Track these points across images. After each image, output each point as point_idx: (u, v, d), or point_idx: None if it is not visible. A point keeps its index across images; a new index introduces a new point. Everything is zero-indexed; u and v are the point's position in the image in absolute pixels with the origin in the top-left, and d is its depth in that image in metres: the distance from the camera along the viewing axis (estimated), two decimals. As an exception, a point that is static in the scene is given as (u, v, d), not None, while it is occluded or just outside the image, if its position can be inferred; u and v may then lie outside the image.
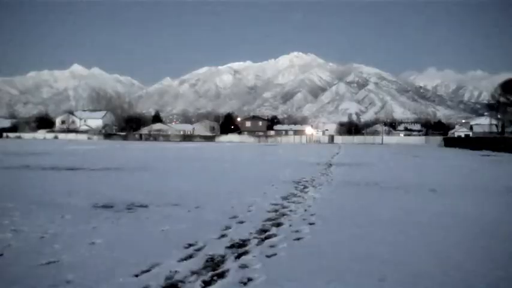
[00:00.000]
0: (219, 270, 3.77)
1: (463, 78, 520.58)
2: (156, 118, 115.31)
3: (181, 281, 3.49)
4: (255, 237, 4.92)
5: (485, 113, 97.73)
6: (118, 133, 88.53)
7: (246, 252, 4.30)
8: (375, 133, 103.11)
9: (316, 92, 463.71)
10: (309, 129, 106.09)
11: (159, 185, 10.00)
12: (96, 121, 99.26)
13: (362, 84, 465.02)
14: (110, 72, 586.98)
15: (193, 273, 3.69)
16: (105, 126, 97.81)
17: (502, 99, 68.95)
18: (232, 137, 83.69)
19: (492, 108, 74.50)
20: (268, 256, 4.17)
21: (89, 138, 79.36)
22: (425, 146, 56.13)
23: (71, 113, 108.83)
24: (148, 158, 21.36)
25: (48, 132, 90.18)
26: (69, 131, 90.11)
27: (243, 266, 3.87)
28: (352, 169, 15.76)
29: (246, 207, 6.87)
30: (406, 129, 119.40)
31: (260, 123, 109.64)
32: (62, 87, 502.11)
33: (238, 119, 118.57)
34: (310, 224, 5.68)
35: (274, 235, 5.03)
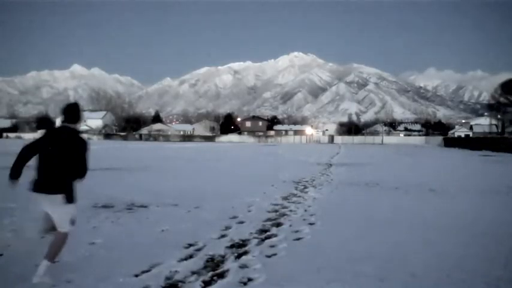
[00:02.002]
0: (219, 270, 3.77)
1: (463, 78, 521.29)
2: (156, 118, 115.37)
3: (181, 281, 3.49)
4: (255, 237, 4.92)
5: (485, 113, 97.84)
6: (118, 133, 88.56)
7: (246, 252, 4.31)
8: (375, 133, 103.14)
9: (316, 92, 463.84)
10: (308, 130, 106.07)
11: (159, 185, 10.00)
12: (96, 121, 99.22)
13: (362, 84, 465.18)
14: (109, 72, 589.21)
15: (193, 273, 3.69)
16: (105, 126, 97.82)
17: (502, 99, 68.98)
18: (232, 137, 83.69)
19: (492, 108, 74.54)
20: (268, 256, 4.17)
21: (88, 138, 79.17)
22: (425, 146, 56.12)
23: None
24: (148, 158, 21.36)
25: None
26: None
27: (243, 266, 3.87)
28: (352, 169, 15.76)
29: (246, 207, 6.87)
30: (406, 129, 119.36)
31: (260, 123, 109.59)
32: (62, 87, 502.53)
33: (238, 119, 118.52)
34: (310, 224, 5.68)
35: (274, 235, 5.03)
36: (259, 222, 5.74)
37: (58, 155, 3.51)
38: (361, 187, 10.00)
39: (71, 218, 3.55)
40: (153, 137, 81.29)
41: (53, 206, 3.47)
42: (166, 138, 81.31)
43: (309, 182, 11.02)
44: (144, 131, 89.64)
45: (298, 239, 4.88)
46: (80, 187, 8.47)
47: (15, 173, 3.54)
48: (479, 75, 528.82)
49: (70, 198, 3.50)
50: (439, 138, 65.83)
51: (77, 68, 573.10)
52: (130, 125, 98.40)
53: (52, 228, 3.60)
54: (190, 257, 4.13)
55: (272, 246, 4.53)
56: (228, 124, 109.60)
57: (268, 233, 5.14)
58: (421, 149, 45.11)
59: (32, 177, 3.52)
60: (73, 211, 3.57)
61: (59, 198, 3.43)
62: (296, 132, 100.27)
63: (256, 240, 4.78)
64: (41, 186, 3.45)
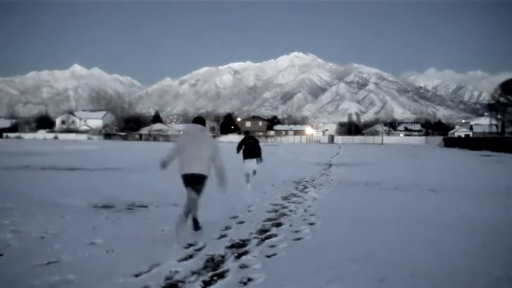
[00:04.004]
0: (219, 270, 3.77)
1: (463, 78, 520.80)
2: (156, 118, 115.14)
3: (181, 281, 3.49)
4: (255, 238, 4.92)
5: (485, 113, 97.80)
6: (118, 133, 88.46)
7: (246, 252, 4.31)
8: (375, 133, 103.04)
9: (316, 92, 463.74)
10: (309, 130, 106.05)
11: (159, 185, 10.00)
12: (96, 121, 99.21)
13: (362, 84, 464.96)
14: (109, 72, 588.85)
15: (193, 273, 3.69)
16: (105, 126, 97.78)
17: (502, 99, 68.95)
18: (232, 137, 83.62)
19: (492, 108, 74.50)
20: (268, 256, 4.17)
21: (89, 139, 79.33)
22: (425, 146, 56.12)
23: (71, 113, 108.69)
24: (148, 158, 21.35)
25: (48, 132, 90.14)
26: (69, 131, 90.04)
27: (243, 266, 3.87)
28: (352, 169, 15.76)
29: (246, 207, 6.88)
30: (406, 129, 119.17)
31: (260, 123, 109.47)
32: (62, 87, 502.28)
33: (238, 119, 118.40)
34: (310, 224, 5.68)
35: (274, 235, 5.03)
36: (259, 222, 5.74)
37: (254, 145, 9.41)
38: (361, 187, 10.00)
39: (257, 166, 9.56)
40: (153, 137, 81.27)
41: (253, 162, 9.40)
42: (167, 138, 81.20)
43: (309, 182, 11.03)
44: (144, 131, 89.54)
45: (298, 239, 4.88)
46: (80, 187, 8.51)
47: (238, 149, 9.64)
48: (479, 75, 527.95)
49: (259, 160, 9.54)
50: (439, 138, 65.78)
51: (77, 68, 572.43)
52: (130, 125, 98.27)
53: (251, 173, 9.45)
54: (190, 257, 4.14)
55: (272, 246, 4.53)
56: (228, 124, 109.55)
57: (268, 233, 5.14)
58: (421, 149, 45.10)
59: (241, 153, 9.56)
60: (258, 165, 9.58)
61: (255, 159, 9.44)
62: (296, 132, 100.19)
63: (256, 240, 4.78)
64: (249, 156, 9.38)
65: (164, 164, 5.32)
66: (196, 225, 4.94)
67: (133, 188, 9.14)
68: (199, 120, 5.33)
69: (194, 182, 4.92)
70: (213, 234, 4.99)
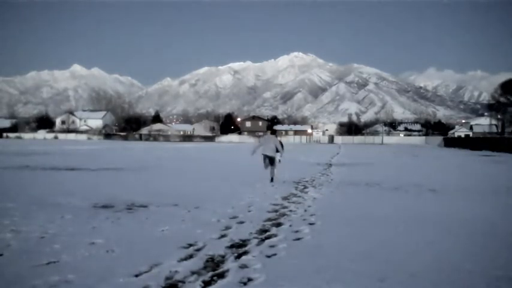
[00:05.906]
0: (219, 271, 3.77)
1: (463, 78, 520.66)
2: (156, 118, 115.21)
3: (181, 281, 3.49)
4: (255, 238, 4.92)
5: (485, 113, 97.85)
6: (118, 133, 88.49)
7: (246, 252, 4.30)
8: (375, 133, 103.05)
9: (316, 92, 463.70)
10: (309, 130, 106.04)
11: (159, 185, 10.00)
12: (96, 121, 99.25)
13: (362, 84, 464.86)
14: (109, 72, 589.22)
15: (193, 273, 3.69)
16: (105, 126, 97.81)
17: (502, 99, 69.05)
18: (232, 137, 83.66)
19: (492, 108, 74.59)
20: (268, 256, 4.17)
21: (88, 139, 79.33)
22: (425, 146, 56.12)
23: (71, 113, 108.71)
24: (148, 158, 21.36)
25: (48, 132, 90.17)
26: (69, 131, 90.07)
27: (243, 266, 3.86)
28: (352, 169, 15.76)
29: (246, 207, 6.88)
30: (406, 129, 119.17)
31: (260, 123, 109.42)
32: (62, 87, 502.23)
33: (238, 119, 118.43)
34: (310, 224, 5.68)
35: (274, 235, 5.03)
36: (259, 222, 5.74)
37: (280, 144, 10.70)
38: (361, 187, 10.00)
39: (280, 158, 11.14)
40: (153, 137, 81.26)
41: (278, 156, 10.77)
42: (166, 138, 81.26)
43: (309, 182, 11.03)
44: (144, 131, 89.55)
45: (298, 239, 4.88)
46: (80, 187, 8.54)
47: (253, 152, 10.79)
48: (479, 75, 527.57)
49: (281, 154, 10.88)
50: (439, 138, 65.78)
51: (77, 68, 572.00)
52: (130, 125, 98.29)
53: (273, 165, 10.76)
54: (190, 257, 4.13)
55: (272, 246, 4.53)
56: (228, 124, 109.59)
57: (268, 233, 5.14)
58: (421, 149, 45.10)
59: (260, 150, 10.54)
60: (280, 157, 10.97)
61: (279, 153, 10.77)
62: (296, 133, 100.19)
63: (256, 240, 4.78)
64: (275, 151, 10.51)
65: (254, 151, 10.67)
66: (271, 180, 10.41)
67: (133, 188, 9.13)
68: (271, 131, 11.02)
69: (269, 158, 10.44)
70: (213, 234, 4.99)
